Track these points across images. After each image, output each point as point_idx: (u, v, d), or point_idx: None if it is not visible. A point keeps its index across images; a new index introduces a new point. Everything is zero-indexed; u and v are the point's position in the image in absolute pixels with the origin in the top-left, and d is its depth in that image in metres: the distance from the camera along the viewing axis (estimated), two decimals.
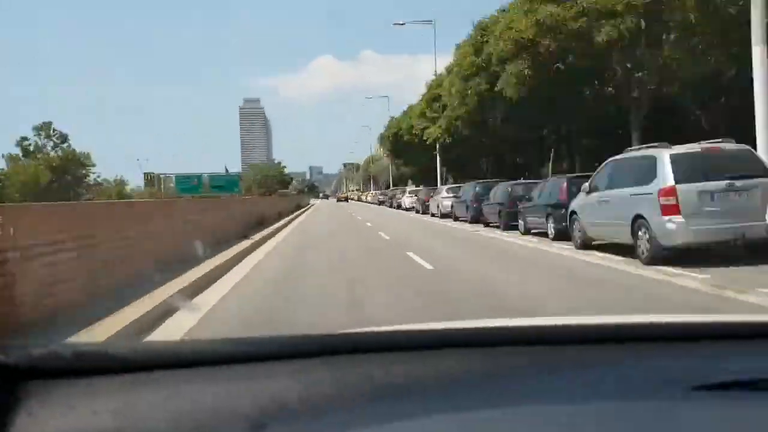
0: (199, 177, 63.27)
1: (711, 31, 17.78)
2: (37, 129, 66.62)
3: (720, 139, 10.08)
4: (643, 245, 9.41)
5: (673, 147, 9.74)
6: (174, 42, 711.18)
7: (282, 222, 26.47)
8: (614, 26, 18.04)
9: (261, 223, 22.21)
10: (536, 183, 17.85)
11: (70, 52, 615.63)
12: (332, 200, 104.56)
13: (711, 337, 1.18)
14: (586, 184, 11.56)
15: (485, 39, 26.36)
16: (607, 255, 10.66)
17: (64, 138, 65.26)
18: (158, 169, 58.16)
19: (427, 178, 59.31)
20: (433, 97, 38.43)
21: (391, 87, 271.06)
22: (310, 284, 9.19)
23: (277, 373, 1.00)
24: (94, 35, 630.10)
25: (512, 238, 15.67)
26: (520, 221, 16.46)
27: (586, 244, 11.63)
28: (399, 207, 42.96)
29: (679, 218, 8.91)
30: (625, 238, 9.99)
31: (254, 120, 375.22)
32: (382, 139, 56.95)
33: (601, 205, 10.82)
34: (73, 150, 60.14)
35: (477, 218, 21.44)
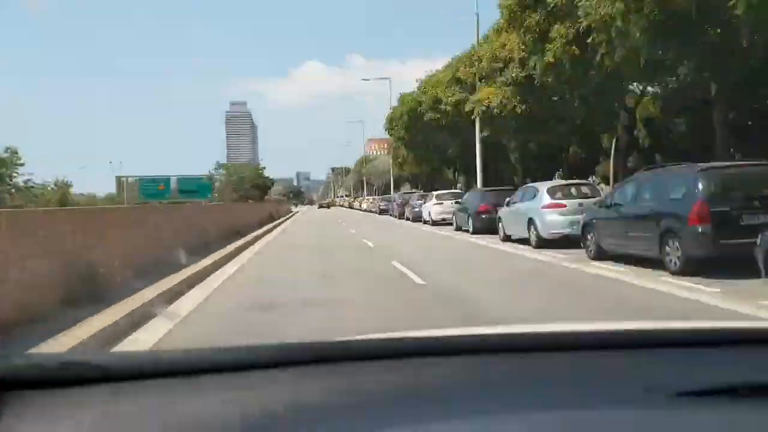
0: (166, 180, 55.64)
1: None
2: None
3: None
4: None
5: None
6: (162, 43, 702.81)
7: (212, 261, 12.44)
8: None
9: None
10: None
11: (64, 51, 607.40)
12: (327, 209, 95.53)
13: (693, 344, 1.21)
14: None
15: None
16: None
17: None
18: (139, 174, 51.04)
19: (432, 180, 52.21)
20: (470, 62, 27.21)
21: (380, 93, 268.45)
22: None
23: (265, 382, 0.99)
24: (80, 36, 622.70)
25: None
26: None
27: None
28: (415, 219, 29.53)
29: None
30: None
31: (240, 123, 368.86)
32: (390, 122, 42.41)
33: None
34: None
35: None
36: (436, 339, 1.24)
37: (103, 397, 0.92)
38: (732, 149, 19.76)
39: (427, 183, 51.00)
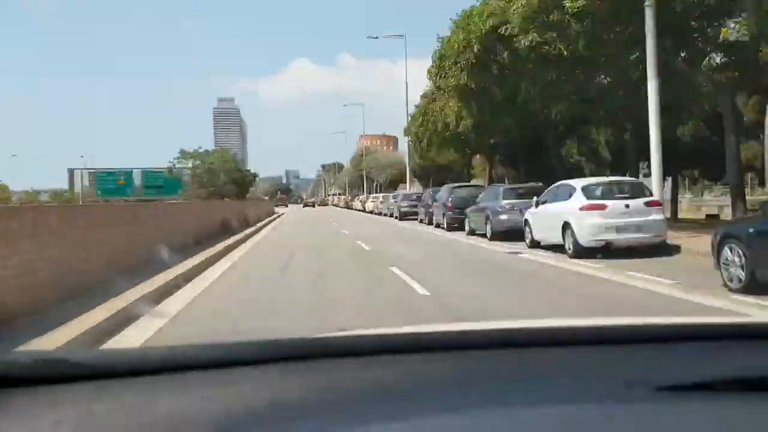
0: (127, 174, 47.23)
1: None
2: None
3: None
4: None
5: None
6: (150, 41, 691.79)
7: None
8: None
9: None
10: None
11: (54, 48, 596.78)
12: (312, 208, 78.11)
13: (673, 340, 1.21)
14: None
15: None
16: None
17: None
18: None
19: (444, 174, 44.79)
20: None
21: (369, 92, 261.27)
22: None
23: (247, 379, 0.99)
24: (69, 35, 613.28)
25: None
26: None
27: None
28: (500, 235, 16.46)
29: None
30: None
31: (229, 121, 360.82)
32: (438, 61, 25.15)
33: None
34: None
35: None
36: (416, 335, 1.26)
37: (86, 395, 0.92)
38: None
39: (437, 177, 43.32)
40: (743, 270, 7.57)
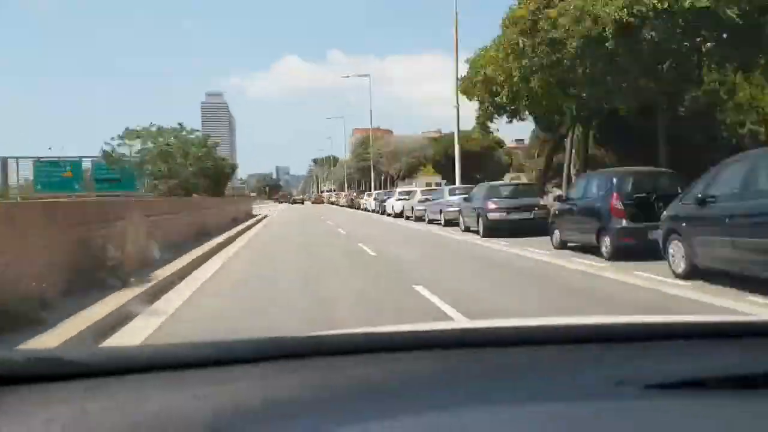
0: (76, 165, 38.12)
1: None
2: None
3: None
4: None
5: None
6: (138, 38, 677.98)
7: None
8: None
9: None
10: None
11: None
12: (305, 206, 70.30)
13: (662, 338, 1.21)
14: None
15: None
16: None
17: None
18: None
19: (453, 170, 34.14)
20: None
21: (359, 88, 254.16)
22: None
23: (240, 377, 0.99)
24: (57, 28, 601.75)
25: None
26: None
27: None
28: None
29: None
30: None
31: (217, 116, 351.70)
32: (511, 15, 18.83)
33: None
34: None
35: None
36: (408, 334, 1.27)
37: (79, 393, 0.91)
38: None
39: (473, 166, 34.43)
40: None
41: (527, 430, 0.87)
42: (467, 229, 18.36)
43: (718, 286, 7.52)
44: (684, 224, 8.26)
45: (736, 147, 17.28)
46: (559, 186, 29.34)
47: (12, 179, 33.41)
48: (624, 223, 10.41)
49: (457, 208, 19.85)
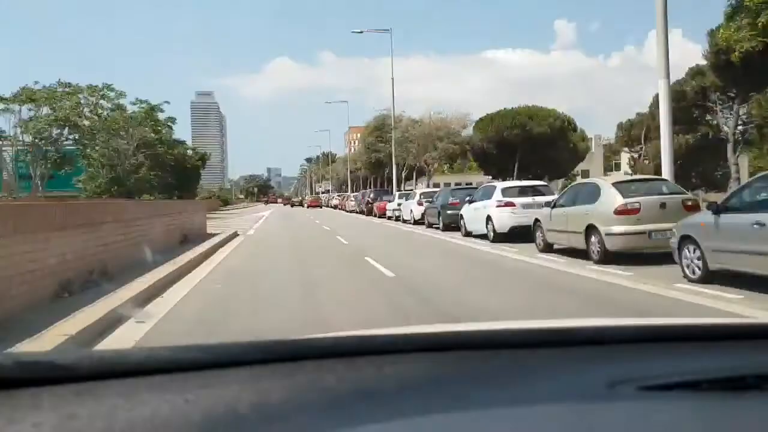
0: None
1: None
2: None
3: None
4: None
5: None
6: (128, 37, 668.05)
7: None
8: None
9: None
10: None
11: None
12: (300, 209, 61.68)
13: (655, 340, 1.23)
14: None
15: None
16: None
17: None
18: None
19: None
20: None
21: (351, 90, 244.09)
22: None
23: (231, 381, 0.98)
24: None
25: None
26: None
27: None
28: None
29: None
30: None
31: (207, 116, 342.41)
32: None
33: None
34: None
35: None
36: (401, 336, 1.27)
37: (68, 397, 0.90)
38: None
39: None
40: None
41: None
42: (548, 249, 13.04)
43: None
44: None
45: None
46: None
47: None
48: None
49: (525, 216, 15.02)
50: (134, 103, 18.53)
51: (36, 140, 15.86)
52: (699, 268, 8.22)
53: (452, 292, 8.62)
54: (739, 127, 30.10)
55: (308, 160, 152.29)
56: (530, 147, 35.49)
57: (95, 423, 0.84)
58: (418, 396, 0.95)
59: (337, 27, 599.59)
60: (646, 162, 37.93)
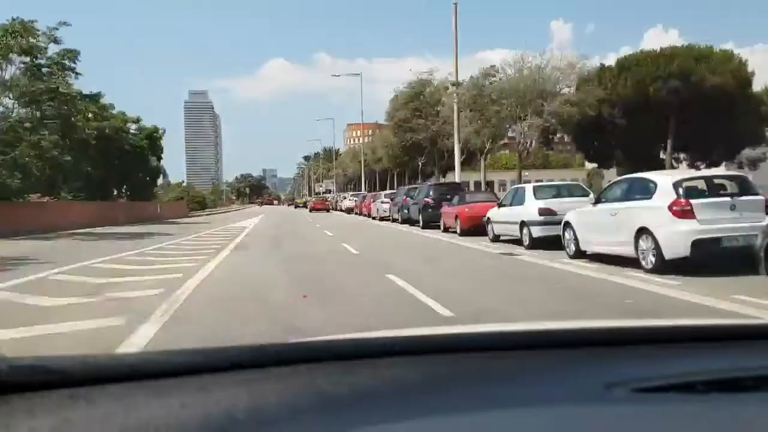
0: None
1: None
2: None
3: None
4: None
5: None
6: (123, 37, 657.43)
7: None
8: None
9: None
10: None
11: None
12: (300, 210, 55.69)
13: (649, 341, 1.22)
14: None
15: None
16: None
17: None
18: None
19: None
20: None
21: (346, 92, 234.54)
22: None
23: (226, 385, 0.98)
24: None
25: None
26: None
27: None
28: None
29: None
30: None
31: (201, 116, 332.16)
32: None
33: None
34: None
35: None
36: (395, 339, 1.25)
37: (62, 403, 0.90)
38: None
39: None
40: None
41: None
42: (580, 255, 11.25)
43: None
44: None
45: None
46: None
47: None
48: None
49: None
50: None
51: None
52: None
53: None
54: None
55: (306, 158, 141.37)
56: (693, 111, 21.23)
57: (91, 428, 0.84)
58: (414, 399, 0.94)
59: (334, 28, 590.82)
60: None
